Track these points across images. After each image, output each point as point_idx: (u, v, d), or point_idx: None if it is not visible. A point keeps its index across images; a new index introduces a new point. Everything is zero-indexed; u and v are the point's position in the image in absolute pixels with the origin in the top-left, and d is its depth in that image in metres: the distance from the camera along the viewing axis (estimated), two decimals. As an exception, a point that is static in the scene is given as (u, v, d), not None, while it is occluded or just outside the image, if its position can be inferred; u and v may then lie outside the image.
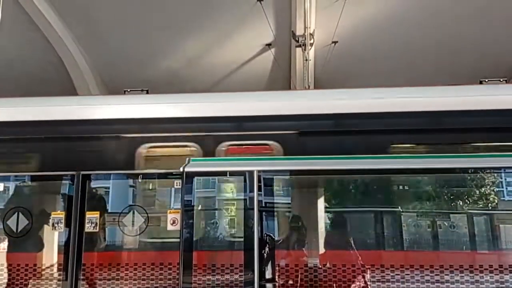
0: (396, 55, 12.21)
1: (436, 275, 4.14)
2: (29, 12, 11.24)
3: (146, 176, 4.79)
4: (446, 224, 4.57)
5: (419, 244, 4.65)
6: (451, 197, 4.71)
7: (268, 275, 4.31)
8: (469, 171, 4.56)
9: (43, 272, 4.54)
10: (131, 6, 11.19)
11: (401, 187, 4.76)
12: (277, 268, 4.34)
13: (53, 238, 4.63)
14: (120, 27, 11.78)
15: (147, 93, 5.29)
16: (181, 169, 4.43)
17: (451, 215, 4.61)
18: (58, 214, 4.57)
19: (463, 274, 4.16)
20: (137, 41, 12.25)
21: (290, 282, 4.28)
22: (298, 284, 4.26)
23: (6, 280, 4.52)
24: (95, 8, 11.29)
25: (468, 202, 4.64)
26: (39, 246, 4.66)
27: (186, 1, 11.09)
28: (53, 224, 4.54)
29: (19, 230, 4.61)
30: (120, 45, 12.41)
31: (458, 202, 4.71)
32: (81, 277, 4.42)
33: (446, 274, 4.15)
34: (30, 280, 4.51)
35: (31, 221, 4.62)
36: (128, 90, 5.42)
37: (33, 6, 11.05)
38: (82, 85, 13.42)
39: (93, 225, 4.48)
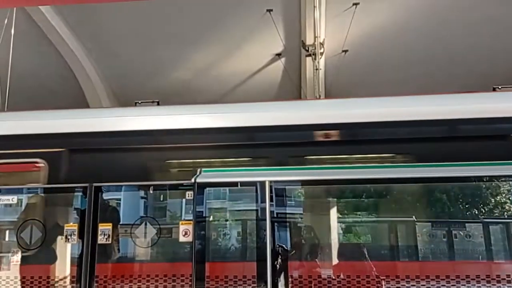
0: (407, 63, 12.17)
1: (452, 285, 4.07)
2: (42, 27, 11.44)
3: (157, 188, 4.79)
4: (462, 234, 4.50)
5: (434, 254, 4.58)
6: (467, 206, 4.65)
7: (281, 286, 4.27)
8: (485, 179, 4.48)
9: (56, 285, 4.55)
10: (141, 19, 11.32)
11: (415, 197, 4.70)
12: (290, 279, 4.30)
13: (66, 250, 4.65)
14: (130, 39, 11.92)
15: (158, 104, 5.32)
16: (193, 180, 4.43)
17: (466, 224, 4.54)
18: (72, 226, 4.59)
19: (479, 285, 4.08)
20: (147, 53, 12.37)
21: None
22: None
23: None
24: (106, 21, 11.44)
25: (483, 211, 4.56)
26: (53, 258, 4.68)
27: (195, 12, 11.19)
28: (66, 236, 4.56)
29: (32, 242, 4.63)
30: (130, 57, 12.55)
31: (474, 211, 4.64)
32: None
33: (462, 285, 4.07)
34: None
35: (44, 233, 4.64)
36: (139, 102, 5.46)
37: (46, 20, 11.24)
38: (94, 97, 13.56)
39: (106, 236, 4.49)
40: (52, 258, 4.68)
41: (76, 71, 12.98)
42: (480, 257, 4.43)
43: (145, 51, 12.25)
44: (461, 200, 4.63)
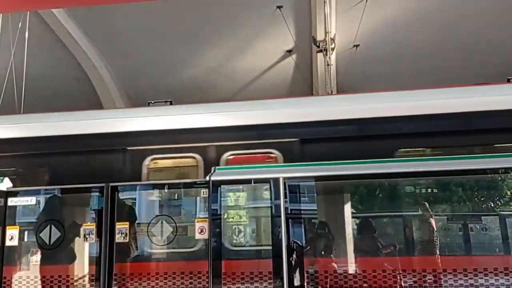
0: (420, 56, 12.06)
1: (470, 278, 4.05)
2: (55, 30, 11.58)
3: (172, 186, 4.83)
4: (478, 227, 4.47)
5: (450, 248, 4.55)
6: (482, 199, 4.61)
7: (297, 282, 4.28)
8: (500, 171, 4.44)
9: (75, 283, 4.63)
10: (152, 19, 11.40)
11: (430, 191, 4.67)
12: (306, 275, 4.31)
13: (84, 249, 4.72)
14: (142, 39, 12.00)
15: (171, 104, 5.35)
16: (207, 178, 4.46)
17: (482, 217, 4.51)
18: (89, 226, 4.66)
19: (497, 277, 4.05)
20: (159, 53, 12.44)
21: (320, 289, 4.25)
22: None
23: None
24: (118, 22, 11.54)
25: (499, 204, 4.52)
26: (72, 257, 4.75)
27: (206, 11, 11.22)
28: (84, 236, 4.63)
29: (51, 242, 4.71)
30: (142, 57, 12.64)
31: (489, 204, 4.60)
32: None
33: (480, 278, 4.05)
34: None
35: (63, 233, 4.71)
36: (152, 101, 5.51)
37: (59, 23, 11.38)
38: (107, 98, 13.70)
39: (123, 235, 4.55)
40: (71, 257, 4.77)
41: (89, 73, 13.13)
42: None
43: (157, 51, 12.32)
44: (476, 193, 4.60)
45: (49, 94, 12.45)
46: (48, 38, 11.61)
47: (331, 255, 4.49)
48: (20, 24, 8.39)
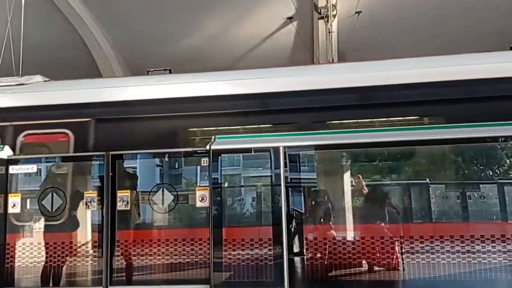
0: (422, 23, 11.89)
1: (466, 245, 4.12)
2: (52, -4, 11.38)
3: (173, 155, 4.85)
4: (476, 195, 4.51)
5: (448, 215, 4.61)
6: (481, 167, 4.64)
7: (296, 248, 4.36)
8: (500, 140, 4.45)
9: (79, 250, 4.72)
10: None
11: (429, 159, 4.69)
12: (305, 241, 4.39)
13: (86, 216, 4.78)
14: (141, 7, 11.81)
15: (170, 72, 5.32)
16: (208, 147, 4.48)
17: (480, 185, 4.55)
18: (91, 194, 4.71)
19: (494, 244, 4.12)
20: (158, 21, 12.27)
21: (318, 255, 4.33)
22: (326, 258, 4.31)
23: (44, 258, 4.70)
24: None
25: (498, 172, 4.55)
26: (74, 224, 4.82)
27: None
28: (86, 203, 4.68)
29: (53, 209, 4.77)
30: (140, 25, 12.47)
31: (488, 172, 4.63)
32: (116, 254, 4.57)
33: (477, 244, 4.12)
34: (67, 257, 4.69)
35: (65, 200, 4.77)
36: (151, 70, 5.46)
37: (55, -11, 11.17)
38: (105, 66, 13.59)
39: (124, 203, 4.60)
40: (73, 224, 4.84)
41: (87, 41, 12.98)
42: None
43: (155, 19, 12.15)
44: (475, 161, 4.62)
45: (47, 62, 12.32)
46: (45, 5, 11.42)
47: (330, 222, 4.55)
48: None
